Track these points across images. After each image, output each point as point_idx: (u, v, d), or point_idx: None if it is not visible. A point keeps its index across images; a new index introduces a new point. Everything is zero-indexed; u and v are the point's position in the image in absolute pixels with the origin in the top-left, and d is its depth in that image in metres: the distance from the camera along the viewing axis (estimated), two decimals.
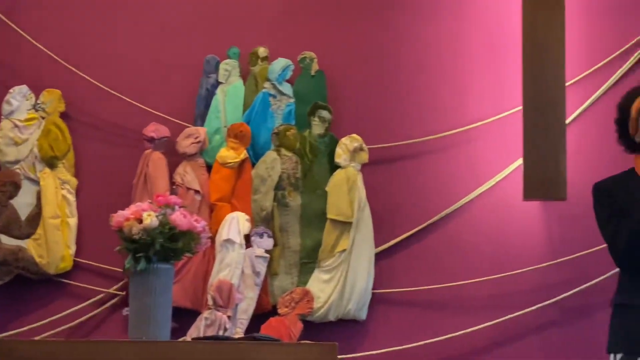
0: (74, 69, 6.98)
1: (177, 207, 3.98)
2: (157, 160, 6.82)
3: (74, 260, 6.83)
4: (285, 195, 6.72)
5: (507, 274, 6.62)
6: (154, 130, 6.86)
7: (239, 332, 6.41)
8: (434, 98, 6.88)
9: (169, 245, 3.88)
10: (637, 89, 4.06)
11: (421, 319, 6.69)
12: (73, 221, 6.85)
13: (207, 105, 6.93)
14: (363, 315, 6.65)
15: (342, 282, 6.60)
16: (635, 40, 6.77)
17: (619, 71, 6.78)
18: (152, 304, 3.86)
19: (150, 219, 3.85)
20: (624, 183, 4.00)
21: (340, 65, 6.94)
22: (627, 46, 6.80)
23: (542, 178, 6.11)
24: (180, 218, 3.91)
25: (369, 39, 6.98)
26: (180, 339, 5.80)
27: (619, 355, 3.91)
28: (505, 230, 6.71)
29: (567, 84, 6.36)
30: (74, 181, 6.90)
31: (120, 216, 3.94)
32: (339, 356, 6.30)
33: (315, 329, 6.61)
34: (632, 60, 6.79)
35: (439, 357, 6.63)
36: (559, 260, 6.59)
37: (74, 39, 7.06)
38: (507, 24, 6.78)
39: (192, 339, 5.31)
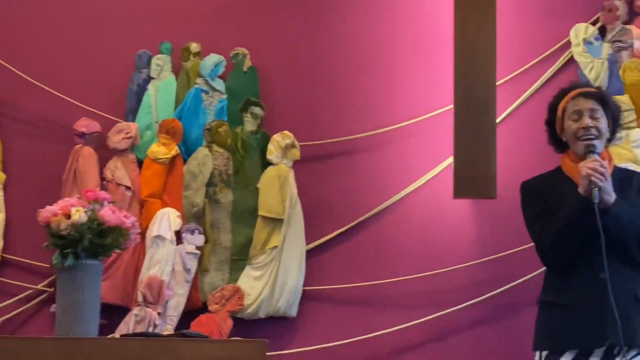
0: (1, 61, 6.90)
1: (106, 202, 3.95)
2: (87, 156, 6.76)
3: (1, 256, 6.74)
4: (216, 191, 6.70)
5: (438, 271, 6.66)
6: (84, 125, 6.80)
7: (169, 329, 6.39)
8: (366, 96, 6.90)
9: (97, 241, 3.85)
10: (565, 89, 4.13)
11: (352, 316, 6.70)
12: (0, 216, 6.77)
13: (139, 101, 6.89)
14: (293, 312, 6.65)
15: (273, 279, 6.60)
16: (564, 40, 6.85)
17: (549, 71, 6.86)
18: (79, 300, 3.82)
19: (79, 215, 3.82)
20: (551, 182, 4.06)
21: (272, 61, 6.94)
22: (557, 46, 6.88)
23: (472, 176, 6.14)
24: (109, 214, 3.89)
25: (301, 36, 6.99)
26: (109, 336, 5.76)
27: (544, 353, 3.96)
28: (436, 228, 6.75)
29: (497, 83, 6.41)
30: (2, 176, 6.81)
31: (48, 212, 3.90)
32: (269, 353, 6.31)
33: (246, 326, 6.60)
34: (561, 60, 6.87)
35: (369, 354, 6.65)
36: (488, 258, 6.64)
37: (1, 30, 6.97)
38: (439, 23, 6.83)
39: (121, 335, 5.27)
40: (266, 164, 6.74)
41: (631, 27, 6.81)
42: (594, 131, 3.97)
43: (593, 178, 3.82)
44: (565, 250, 3.91)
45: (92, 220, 3.85)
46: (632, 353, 3.88)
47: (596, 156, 3.91)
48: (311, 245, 6.74)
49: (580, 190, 3.85)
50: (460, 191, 6.18)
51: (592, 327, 3.84)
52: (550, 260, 3.99)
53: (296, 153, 6.72)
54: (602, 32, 6.85)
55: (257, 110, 6.79)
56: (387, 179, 6.82)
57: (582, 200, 3.84)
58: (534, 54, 6.89)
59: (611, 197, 3.86)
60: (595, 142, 3.97)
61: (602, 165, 3.85)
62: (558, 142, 4.14)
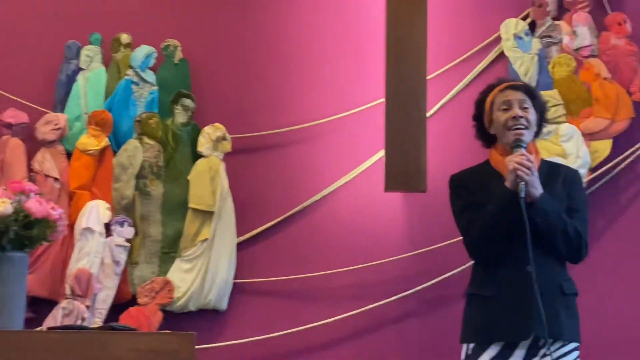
0: None
1: (32, 194, 3.91)
2: (14, 147, 6.69)
3: None
4: (146, 184, 6.67)
5: (367, 264, 6.69)
6: (12, 115, 6.72)
7: (97, 322, 6.34)
8: (297, 89, 6.91)
9: (23, 233, 3.80)
10: (493, 84, 4.17)
11: (282, 309, 6.72)
12: None
13: (68, 92, 6.83)
14: (224, 305, 6.65)
15: (203, 272, 6.58)
16: (495, 35, 6.92)
17: (479, 65, 6.92)
18: (5, 293, 3.78)
19: (4, 206, 3.78)
20: (479, 175, 4.10)
21: (204, 53, 6.92)
22: (487, 41, 6.94)
23: (403, 170, 6.16)
24: (35, 205, 3.84)
25: (233, 28, 6.97)
26: (36, 329, 5.70)
27: (471, 345, 4.00)
28: (366, 222, 6.78)
29: (428, 77, 6.44)
30: None
31: None
32: (199, 346, 6.31)
33: (176, 319, 6.58)
34: (492, 54, 6.93)
35: (299, 347, 6.66)
36: (418, 251, 6.69)
37: None
38: (370, 16, 6.86)
39: (48, 328, 5.22)
40: (197, 156, 6.72)
41: (561, 22, 6.89)
42: (523, 121, 4.01)
43: (519, 172, 3.86)
44: (491, 243, 3.95)
45: (18, 212, 3.80)
46: (557, 345, 3.94)
47: (523, 150, 3.96)
48: (242, 238, 6.73)
49: (507, 184, 3.89)
50: (390, 185, 6.20)
51: (517, 320, 3.88)
52: (477, 253, 4.03)
53: (227, 145, 6.71)
54: (532, 27, 6.93)
55: (188, 102, 6.76)
56: (318, 172, 6.84)
57: (509, 194, 3.88)
58: (465, 49, 6.94)
59: (538, 190, 3.90)
60: (525, 132, 4.02)
61: (528, 160, 3.89)
62: (486, 137, 4.18)
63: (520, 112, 4.02)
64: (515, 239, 3.90)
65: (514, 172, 3.87)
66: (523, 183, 3.85)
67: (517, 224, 3.87)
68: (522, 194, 3.84)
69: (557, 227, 3.93)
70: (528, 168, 3.87)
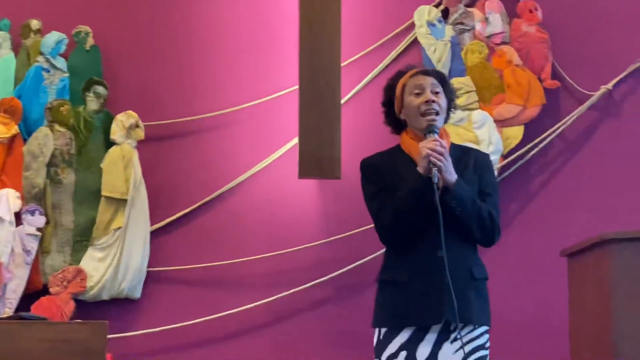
0: None
1: None
2: None
3: None
4: (58, 172, 6.60)
5: (283, 251, 6.71)
6: None
7: (7, 312, 6.26)
8: (211, 76, 6.89)
9: None
10: (402, 71, 4.19)
11: (197, 297, 6.70)
12: None
13: None
14: (137, 293, 6.62)
15: (117, 260, 6.55)
16: (408, 22, 6.96)
17: (393, 52, 6.97)
18: None
19: None
20: (391, 159, 4.10)
21: (116, 40, 6.86)
22: (401, 27, 6.98)
23: (317, 157, 6.19)
24: None
25: (146, 14, 6.93)
26: None
27: (383, 330, 4.03)
28: (282, 209, 6.80)
29: (342, 64, 6.47)
30: None
31: None
32: (112, 335, 6.28)
33: (88, 308, 6.53)
34: (406, 41, 6.98)
35: (216, 335, 6.66)
36: (333, 238, 6.73)
37: None
38: (284, 4, 6.86)
39: None
40: (110, 144, 6.67)
41: (473, 9, 6.97)
42: (435, 106, 4.03)
43: (432, 158, 3.88)
44: (404, 229, 3.97)
45: None
46: (468, 329, 3.99)
47: (435, 136, 3.98)
48: (156, 226, 6.71)
49: (420, 169, 3.91)
50: (305, 172, 6.22)
51: (429, 304, 3.91)
52: (388, 238, 4.04)
53: (140, 133, 6.67)
54: (445, 14, 6.99)
55: (100, 89, 6.71)
56: (233, 159, 6.83)
57: (422, 179, 3.90)
58: (379, 36, 6.98)
59: (452, 176, 3.93)
60: (437, 118, 4.04)
61: (441, 145, 3.91)
62: (395, 122, 4.19)
63: (432, 97, 4.04)
64: (427, 223, 3.93)
65: (427, 158, 3.89)
66: (436, 169, 3.87)
67: (429, 209, 3.90)
68: (435, 180, 3.86)
69: (472, 212, 3.96)
70: (441, 154, 3.89)
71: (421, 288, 3.93)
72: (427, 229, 3.92)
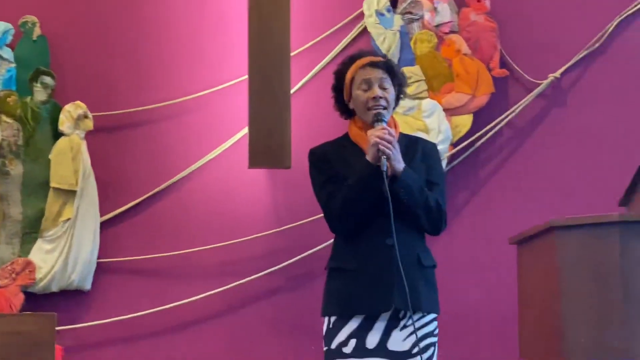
0: None
1: None
2: None
3: None
4: (5, 163, 6.55)
5: (235, 241, 6.71)
6: None
7: None
8: (161, 66, 6.86)
9: None
10: (353, 56, 4.19)
11: (149, 288, 6.69)
12: None
13: None
14: (87, 285, 6.59)
15: (66, 252, 6.51)
16: (357, 11, 6.97)
17: (343, 41, 6.97)
18: None
19: None
20: (339, 148, 4.11)
21: (63, 30, 6.81)
22: (351, 17, 6.99)
23: (267, 146, 6.19)
24: None
25: (94, 3, 6.88)
26: None
27: (332, 318, 4.04)
28: (233, 198, 6.79)
29: (292, 53, 6.47)
30: None
31: None
32: (62, 327, 6.25)
33: (38, 300, 6.50)
34: (355, 30, 6.99)
35: (168, 325, 6.65)
36: (284, 227, 6.73)
37: None
38: None
39: None
40: (58, 135, 6.63)
41: None
42: (383, 102, 4.04)
43: (381, 146, 3.90)
44: (352, 217, 3.98)
45: None
46: (417, 316, 4.01)
47: (384, 124, 3.99)
48: (105, 217, 6.67)
49: (369, 158, 3.92)
50: (255, 161, 6.22)
51: (378, 292, 3.93)
52: (337, 226, 4.05)
53: (89, 124, 6.63)
54: (394, 3, 7.00)
55: (47, 79, 6.66)
56: (183, 149, 6.81)
57: (370, 167, 3.92)
58: (329, 25, 6.98)
59: (400, 164, 3.94)
60: (384, 112, 4.06)
61: (390, 134, 3.93)
62: (345, 108, 4.20)
63: (379, 93, 4.05)
64: (375, 212, 3.95)
65: (375, 146, 3.90)
66: (385, 157, 3.89)
67: (377, 198, 3.91)
68: (384, 168, 3.88)
69: (420, 200, 3.98)
70: (390, 142, 3.91)
71: (370, 276, 3.94)
72: (376, 217, 3.94)
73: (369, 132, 3.95)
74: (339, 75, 4.15)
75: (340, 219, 4.00)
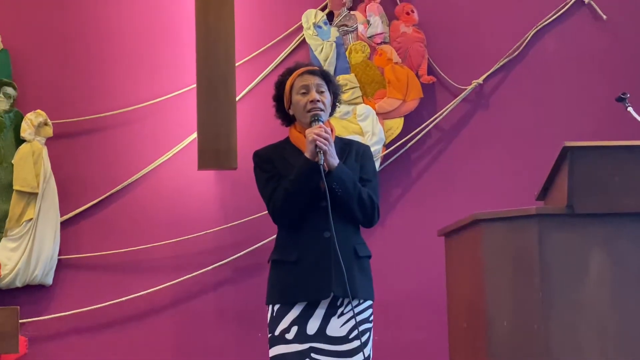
0: None
1: None
2: None
3: None
4: None
5: (186, 237, 6.68)
6: None
7: None
8: (115, 75, 6.81)
9: None
10: (291, 68, 4.22)
11: (106, 282, 6.64)
12: None
13: None
14: (49, 280, 6.53)
15: (29, 249, 6.44)
16: (297, 24, 6.97)
17: (284, 52, 6.96)
18: None
19: None
20: (281, 150, 4.15)
21: (24, 43, 6.73)
22: (291, 29, 6.98)
23: (215, 149, 6.16)
24: None
25: (53, 17, 6.81)
26: None
27: (276, 307, 4.05)
28: (184, 198, 6.76)
29: (237, 63, 6.45)
30: None
31: None
32: (25, 320, 6.21)
33: (3, 295, 6.43)
34: (295, 42, 6.98)
35: (124, 316, 6.62)
36: (231, 224, 6.72)
37: None
38: (182, 6, 6.80)
39: None
40: (20, 141, 6.56)
41: (355, 12, 7.00)
42: (320, 104, 4.08)
43: (318, 142, 3.93)
44: (293, 209, 4.01)
45: None
46: (354, 303, 4.03)
47: (321, 123, 4.03)
48: (66, 217, 6.61)
49: (307, 154, 3.96)
50: (203, 163, 6.19)
51: (317, 281, 3.96)
52: (280, 218, 4.08)
53: (49, 130, 6.57)
54: (330, 17, 7.01)
55: (9, 90, 6.58)
56: (136, 153, 6.77)
57: (309, 162, 3.95)
58: (270, 37, 6.97)
59: (335, 160, 3.98)
60: (321, 113, 4.09)
61: (326, 131, 3.97)
62: (285, 116, 4.23)
63: (317, 96, 4.09)
64: (314, 206, 3.97)
65: (313, 142, 3.94)
66: (321, 152, 3.92)
67: (316, 191, 3.94)
68: (321, 162, 3.91)
69: (353, 193, 4.01)
70: (326, 139, 3.95)
71: (309, 266, 3.98)
72: (314, 212, 3.96)
73: (307, 130, 4.00)
74: (279, 85, 4.20)
75: (282, 211, 4.04)
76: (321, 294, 3.97)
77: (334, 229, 3.90)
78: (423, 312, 6.68)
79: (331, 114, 4.20)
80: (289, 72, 4.20)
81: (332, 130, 4.13)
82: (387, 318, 6.44)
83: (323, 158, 3.93)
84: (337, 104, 4.23)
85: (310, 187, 3.95)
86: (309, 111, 4.08)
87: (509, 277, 4.35)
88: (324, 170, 3.93)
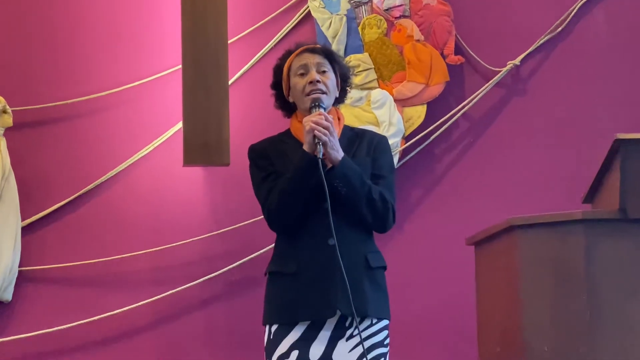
0: None
1: None
2: None
3: None
4: None
5: (168, 246, 6.69)
6: None
7: None
8: (86, 56, 6.82)
9: None
10: (291, 50, 4.21)
11: (77, 298, 6.66)
12: None
13: None
14: (9, 295, 6.53)
15: None
16: None
17: (284, 28, 6.97)
18: None
19: None
20: (280, 144, 4.14)
21: None
22: (292, 1, 6.98)
23: (203, 142, 6.18)
24: None
25: None
26: None
27: (274, 327, 4.04)
28: (166, 200, 6.77)
29: (229, 41, 6.45)
30: None
31: None
32: None
33: None
34: (298, 16, 6.98)
35: (98, 337, 6.63)
36: (222, 230, 6.73)
37: None
38: None
39: None
40: None
41: None
42: (321, 86, 4.07)
43: (316, 132, 3.91)
44: (289, 212, 4.00)
45: None
46: (365, 324, 4.00)
47: (321, 110, 4.00)
48: (27, 221, 6.63)
49: (305, 146, 3.94)
50: (190, 158, 6.21)
51: (321, 296, 3.94)
52: (276, 222, 4.08)
53: (8, 119, 6.58)
54: None
55: None
56: (111, 146, 6.78)
57: (307, 156, 3.92)
58: (269, 9, 6.98)
59: (338, 153, 3.96)
60: (323, 97, 4.07)
61: (326, 119, 3.94)
62: (286, 105, 4.22)
63: (317, 76, 4.07)
64: (315, 208, 3.95)
65: (311, 133, 3.92)
66: (320, 144, 3.89)
67: (317, 192, 3.91)
68: (320, 155, 3.89)
69: (360, 192, 3.98)
70: (326, 128, 3.92)
71: (311, 279, 3.97)
72: (316, 215, 3.94)
73: (305, 118, 3.97)
74: (277, 69, 4.20)
75: (278, 214, 4.03)
76: (325, 312, 3.95)
77: (341, 236, 3.89)
78: (448, 334, 6.68)
79: (339, 101, 4.18)
80: (288, 54, 4.20)
81: (339, 119, 4.12)
82: (405, 340, 6.43)
83: (322, 151, 3.91)
84: (347, 88, 4.21)
85: (309, 186, 3.93)
86: (307, 94, 4.07)
87: (550, 293, 4.37)
88: (325, 165, 3.92)
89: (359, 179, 3.98)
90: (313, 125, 3.90)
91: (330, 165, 3.94)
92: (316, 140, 3.90)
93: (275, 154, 4.12)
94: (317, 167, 3.88)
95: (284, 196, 3.98)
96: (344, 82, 4.20)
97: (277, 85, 4.22)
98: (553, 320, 4.34)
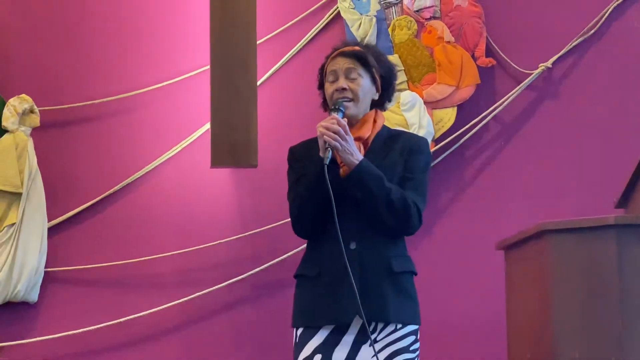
0: None
1: None
2: None
3: None
4: None
5: (196, 247, 6.70)
6: None
7: None
8: (114, 55, 6.84)
9: None
10: (333, 50, 4.20)
11: (101, 300, 6.68)
12: None
13: None
14: (34, 296, 6.56)
15: (11, 260, 6.48)
16: None
17: (314, 28, 6.96)
18: None
19: None
20: (312, 147, 4.12)
21: (8, 18, 6.77)
22: (321, 2, 6.98)
23: (231, 144, 6.19)
24: None
25: None
26: None
27: (299, 330, 4.05)
28: (194, 201, 6.78)
29: (258, 41, 6.47)
30: None
31: None
32: (6, 343, 6.24)
33: None
34: (327, 16, 6.98)
35: (124, 339, 6.65)
36: (250, 232, 6.73)
37: None
38: None
39: None
40: (2, 131, 6.60)
41: None
42: (348, 93, 4.06)
43: (326, 137, 3.91)
44: (306, 216, 4.02)
45: None
46: (389, 329, 4.00)
47: (336, 114, 4.00)
48: (54, 222, 6.65)
49: (320, 152, 3.95)
50: (217, 160, 6.22)
51: (340, 301, 3.95)
52: (295, 227, 4.11)
53: (36, 119, 6.61)
54: None
55: None
56: (138, 147, 6.80)
57: (320, 161, 3.93)
58: (298, 10, 6.98)
59: (354, 158, 3.95)
60: (350, 104, 4.06)
61: (338, 124, 3.93)
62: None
63: (344, 84, 4.07)
64: (337, 212, 3.95)
65: (321, 138, 3.93)
66: (329, 149, 3.90)
67: (336, 197, 3.92)
68: (327, 162, 3.90)
69: (378, 196, 3.96)
70: (336, 132, 3.91)
71: (331, 282, 3.98)
72: (339, 219, 3.93)
73: (318, 123, 3.98)
74: (320, 71, 4.21)
75: (296, 219, 4.08)
76: (345, 316, 3.95)
77: (362, 239, 3.91)
78: (478, 340, 6.66)
79: (383, 101, 4.18)
80: (330, 55, 4.21)
81: (375, 121, 4.11)
82: (433, 346, 6.40)
83: (330, 156, 3.91)
84: (391, 88, 4.20)
85: (321, 191, 3.93)
86: (334, 103, 4.08)
87: (582, 299, 4.35)
88: (337, 170, 3.94)
89: (377, 183, 3.95)
90: (323, 130, 3.91)
91: (347, 170, 3.95)
92: (326, 145, 3.91)
93: (305, 156, 4.12)
94: (330, 173, 3.89)
95: (300, 202, 4.01)
96: (386, 83, 4.19)
97: (321, 86, 4.23)
98: (584, 327, 4.32)
